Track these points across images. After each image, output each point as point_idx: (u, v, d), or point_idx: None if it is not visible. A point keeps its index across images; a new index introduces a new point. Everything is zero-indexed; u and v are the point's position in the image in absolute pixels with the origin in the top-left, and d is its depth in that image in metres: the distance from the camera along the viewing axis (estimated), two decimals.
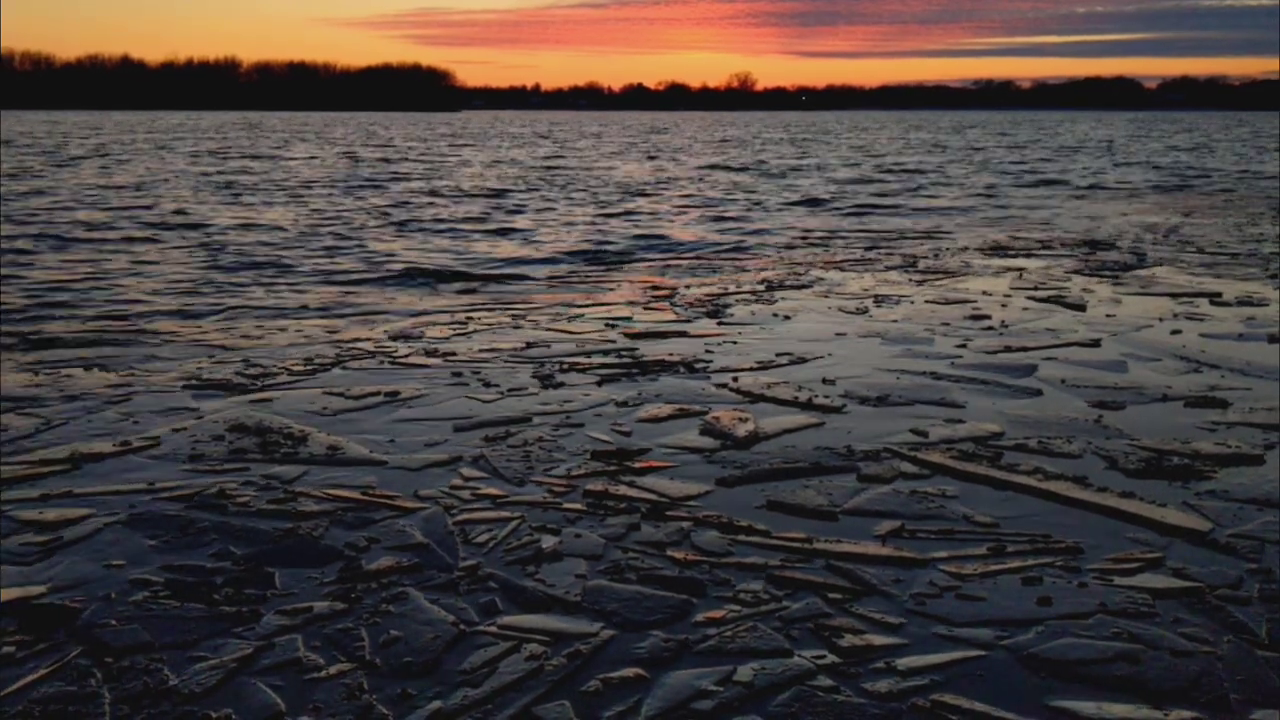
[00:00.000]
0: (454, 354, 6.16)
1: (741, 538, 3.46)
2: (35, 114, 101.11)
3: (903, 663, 2.70)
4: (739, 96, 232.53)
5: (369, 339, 6.62)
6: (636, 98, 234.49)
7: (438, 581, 3.14)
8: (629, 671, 2.66)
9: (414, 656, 2.72)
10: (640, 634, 2.85)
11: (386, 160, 29.14)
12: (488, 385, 5.41)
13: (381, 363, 5.95)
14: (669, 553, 3.34)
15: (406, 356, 6.08)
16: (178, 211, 14.80)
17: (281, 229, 12.84)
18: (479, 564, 3.25)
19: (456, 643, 2.79)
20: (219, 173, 23.02)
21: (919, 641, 2.82)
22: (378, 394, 5.22)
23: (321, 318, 7.44)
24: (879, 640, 2.81)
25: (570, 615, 2.95)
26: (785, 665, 2.69)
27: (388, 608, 2.97)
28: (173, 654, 2.73)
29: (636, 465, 4.16)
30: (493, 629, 2.87)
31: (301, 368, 5.80)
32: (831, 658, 2.73)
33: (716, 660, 2.72)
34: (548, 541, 3.42)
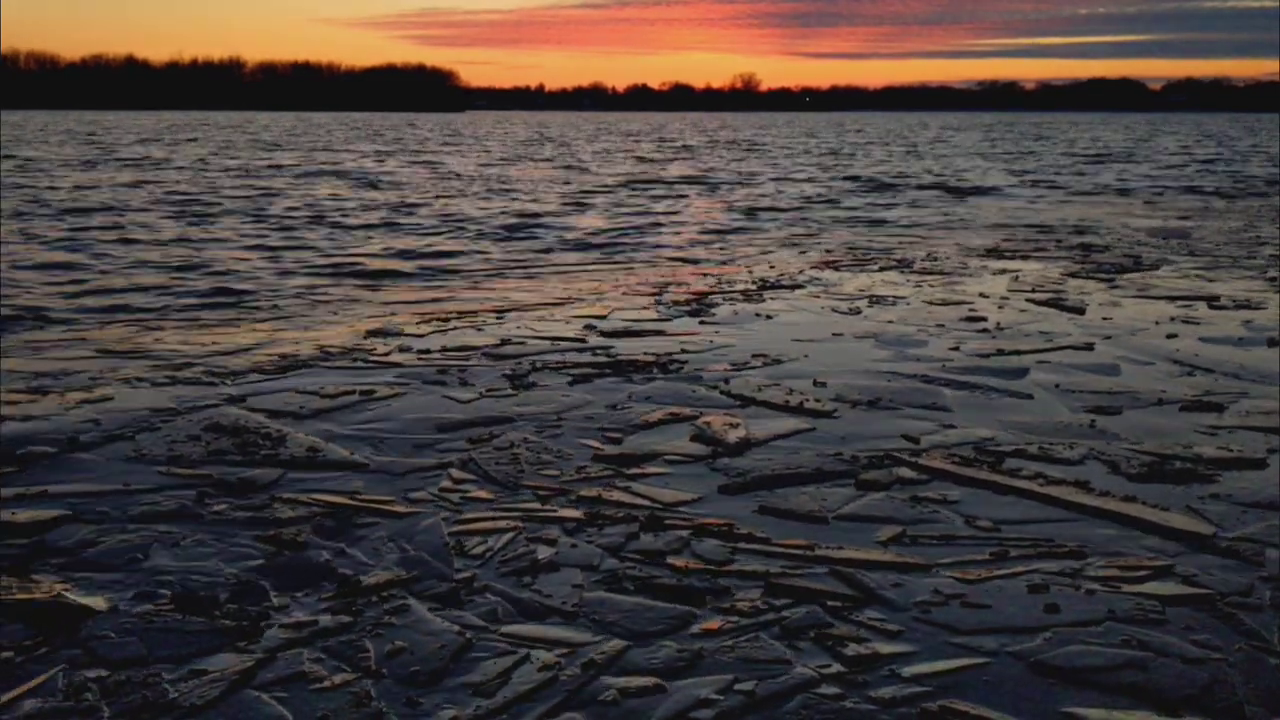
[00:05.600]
0: (428, 351, 6.12)
1: (741, 545, 3.41)
2: (38, 114, 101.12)
3: (909, 670, 2.67)
4: (743, 97, 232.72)
5: (330, 340, 6.57)
6: (641, 98, 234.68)
7: (436, 591, 3.10)
8: (639, 682, 2.62)
9: (420, 666, 2.68)
10: (645, 645, 2.80)
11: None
12: (465, 384, 5.36)
13: (353, 360, 5.89)
14: (668, 561, 3.29)
15: (377, 354, 6.03)
16: None
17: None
18: (475, 574, 3.20)
19: (461, 653, 2.75)
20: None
21: (926, 649, 2.78)
22: (353, 393, 5.17)
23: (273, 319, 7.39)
24: (885, 648, 2.77)
25: (573, 625, 2.91)
26: (790, 674, 2.65)
27: (390, 619, 2.93)
28: (171, 666, 2.67)
29: (628, 470, 4.12)
30: (495, 639, 2.83)
31: (272, 366, 5.75)
32: (837, 666, 2.69)
33: (721, 670, 2.68)
34: (543, 551, 3.37)
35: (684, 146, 41.38)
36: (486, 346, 6.24)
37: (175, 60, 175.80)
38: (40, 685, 2.58)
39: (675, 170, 25.71)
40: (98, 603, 2.99)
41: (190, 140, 42.33)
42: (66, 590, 3.06)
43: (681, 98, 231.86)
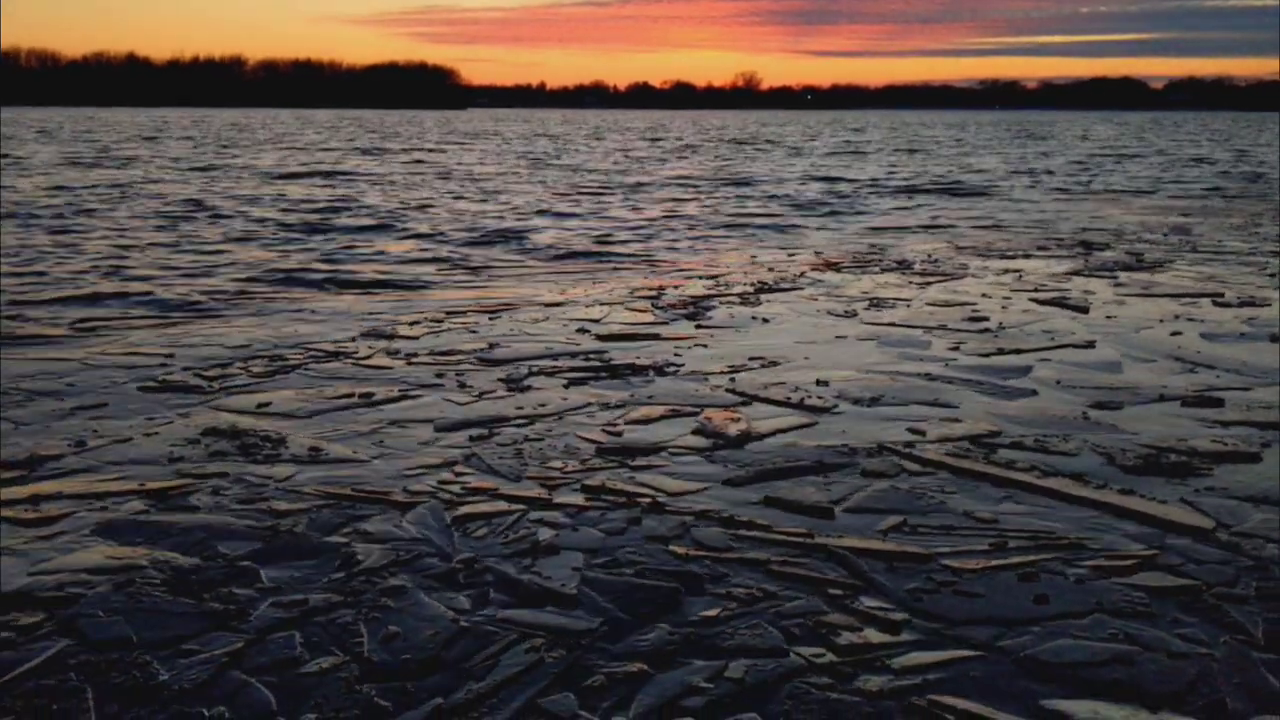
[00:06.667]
0: (424, 353, 6.11)
1: (741, 533, 3.43)
2: (40, 111, 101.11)
3: (898, 661, 2.68)
4: (745, 95, 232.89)
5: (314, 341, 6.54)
6: (642, 96, 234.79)
7: (435, 572, 3.12)
8: (628, 667, 2.63)
9: (413, 654, 2.68)
10: (639, 629, 2.82)
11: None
12: (462, 387, 5.35)
13: (344, 363, 5.87)
14: (670, 548, 3.32)
15: (374, 357, 6.01)
16: None
17: None
18: (475, 557, 3.23)
19: (457, 638, 2.76)
20: None
21: (920, 640, 2.79)
22: (350, 395, 5.15)
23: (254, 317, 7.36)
24: (878, 638, 2.78)
25: (568, 610, 2.92)
26: (780, 662, 2.66)
27: (386, 600, 2.94)
28: (161, 650, 2.68)
29: (630, 462, 4.14)
30: (492, 623, 2.83)
31: (262, 369, 5.71)
32: (829, 655, 2.70)
33: (713, 656, 2.69)
34: (545, 533, 3.40)
35: (681, 146, 41.36)
36: (481, 349, 6.22)
37: (177, 58, 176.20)
38: (27, 667, 2.59)
39: (672, 171, 25.68)
40: (88, 586, 2.99)
41: (183, 138, 42.33)
42: (64, 578, 3.05)
43: (683, 96, 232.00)
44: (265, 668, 2.60)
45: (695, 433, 4.51)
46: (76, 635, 2.74)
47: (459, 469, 4.06)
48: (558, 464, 4.11)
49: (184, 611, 2.87)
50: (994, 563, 3.23)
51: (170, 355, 6.03)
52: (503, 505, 3.67)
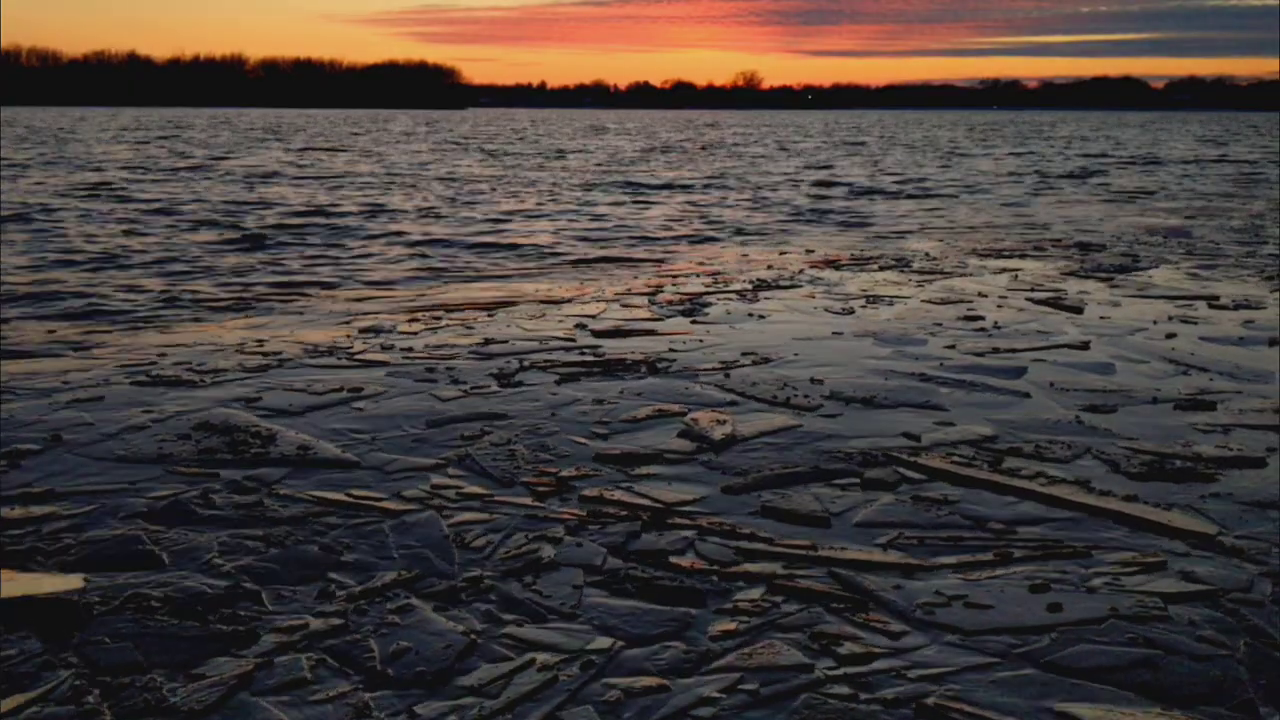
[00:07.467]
0: (411, 350, 6.11)
1: (744, 545, 3.40)
2: (42, 110, 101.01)
3: (914, 671, 2.67)
4: (745, 94, 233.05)
5: (305, 336, 6.54)
6: (642, 96, 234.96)
7: (438, 590, 3.09)
8: (644, 681, 2.62)
9: (425, 667, 2.66)
10: (650, 645, 2.80)
11: None
12: (455, 382, 5.35)
13: (337, 359, 5.88)
14: (672, 560, 3.28)
15: (361, 353, 6.02)
16: None
17: None
18: (479, 573, 3.19)
19: (467, 654, 2.74)
20: None
21: (928, 648, 2.79)
22: (340, 390, 5.16)
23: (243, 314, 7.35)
24: (888, 648, 2.78)
25: (577, 626, 2.90)
26: (794, 675, 2.65)
27: (393, 618, 2.91)
28: (169, 671, 2.65)
29: (622, 468, 4.11)
30: (499, 641, 2.81)
31: (255, 363, 5.73)
32: (842, 667, 2.69)
33: (724, 670, 2.68)
34: (546, 549, 3.36)
35: (680, 146, 41.37)
36: (476, 344, 6.22)
37: (178, 57, 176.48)
38: (40, 691, 2.56)
39: (670, 171, 25.68)
40: (93, 606, 2.97)
41: (164, 138, 42.31)
42: (62, 593, 3.04)
43: (683, 95, 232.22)
44: (277, 689, 2.57)
45: (689, 435, 4.48)
46: (85, 659, 2.71)
47: (455, 473, 4.03)
48: (553, 469, 4.08)
49: (193, 635, 2.83)
50: (1003, 572, 3.22)
51: (163, 353, 6.03)
52: (500, 515, 3.62)
